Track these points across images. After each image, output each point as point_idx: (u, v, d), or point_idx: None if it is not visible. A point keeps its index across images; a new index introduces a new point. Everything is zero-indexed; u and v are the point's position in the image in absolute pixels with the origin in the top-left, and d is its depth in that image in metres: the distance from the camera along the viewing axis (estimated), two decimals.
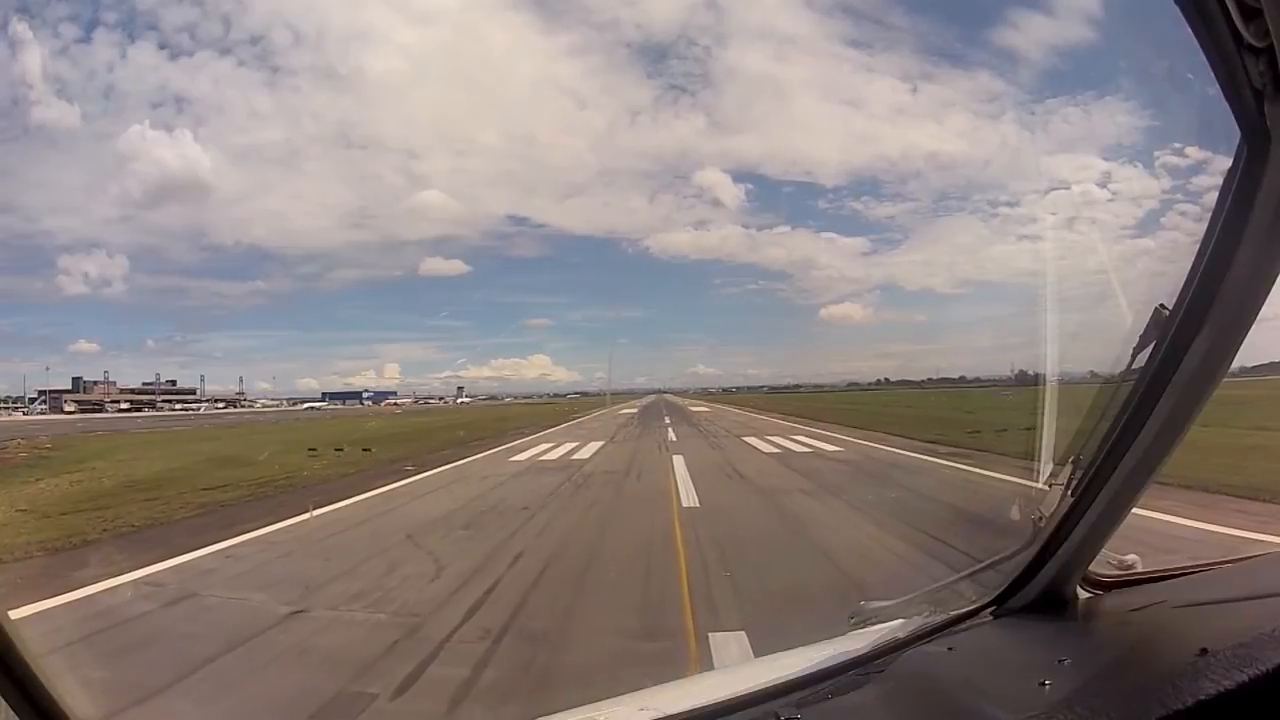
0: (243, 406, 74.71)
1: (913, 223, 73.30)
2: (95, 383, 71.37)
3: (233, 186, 74.57)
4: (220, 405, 74.50)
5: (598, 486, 10.44)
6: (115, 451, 18.32)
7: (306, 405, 74.31)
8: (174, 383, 78.04)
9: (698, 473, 11.31)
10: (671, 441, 18.71)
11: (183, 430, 30.70)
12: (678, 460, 13.30)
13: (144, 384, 75.88)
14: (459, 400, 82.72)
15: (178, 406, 70.98)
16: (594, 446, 17.64)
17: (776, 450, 15.31)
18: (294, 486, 10.96)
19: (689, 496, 9.04)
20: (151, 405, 70.54)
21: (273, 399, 79.30)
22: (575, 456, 15.25)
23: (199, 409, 69.47)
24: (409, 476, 12.12)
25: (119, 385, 73.44)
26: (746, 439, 18.63)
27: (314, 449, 16.86)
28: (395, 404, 79.12)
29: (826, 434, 19.56)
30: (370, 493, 10.16)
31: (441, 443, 19.68)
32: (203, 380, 78.74)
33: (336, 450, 16.50)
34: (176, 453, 17.84)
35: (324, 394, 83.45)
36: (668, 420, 30.66)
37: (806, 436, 18.79)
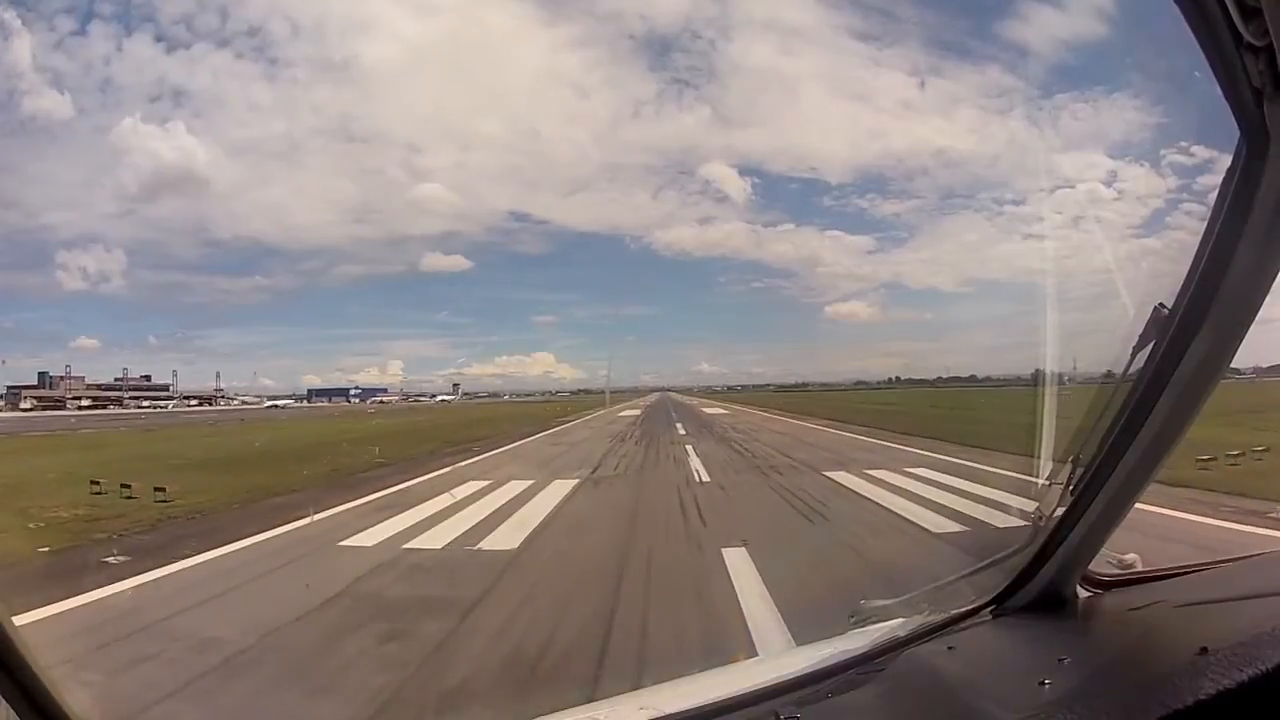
0: (219, 403, 73.48)
1: (918, 220, 73.51)
2: (61, 378, 70.33)
3: (233, 181, 75.23)
4: (194, 403, 72.96)
5: None
6: None
7: (269, 404, 72.71)
8: (148, 378, 76.67)
9: None
10: (700, 481, 10.44)
11: (82, 435, 26.65)
12: (744, 574, 5.12)
13: (116, 379, 74.70)
14: (439, 399, 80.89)
15: (145, 404, 69.38)
16: (556, 493, 9.68)
17: (955, 529, 6.60)
18: None
19: None
20: (119, 402, 69.15)
21: (255, 395, 78.50)
22: (495, 541, 6.82)
23: (167, 406, 68.06)
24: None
25: (86, 381, 72.16)
26: (834, 476, 10.34)
27: (97, 483, 10.48)
28: (381, 401, 78.31)
29: (950, 459, 11.64)
30: None
31: (313, 475, 12.38)
32: (175, 376, 77.77)
33: (124, 488, 10.25)
34: None
35: (310, 390, 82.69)
36: (681, 429, 22.56)
37: (929, 469, 10.55)
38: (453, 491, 10.01)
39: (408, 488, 10.82)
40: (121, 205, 74.74)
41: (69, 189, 69.96)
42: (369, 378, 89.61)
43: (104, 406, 64.88)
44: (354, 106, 75.82)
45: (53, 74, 55.30)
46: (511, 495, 9.62)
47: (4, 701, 0.81)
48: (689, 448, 15.79)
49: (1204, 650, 0.76)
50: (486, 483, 10.84)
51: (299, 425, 33.97)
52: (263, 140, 75.98)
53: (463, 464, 13.87)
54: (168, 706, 3.54)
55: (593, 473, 12.14)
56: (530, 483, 10.62)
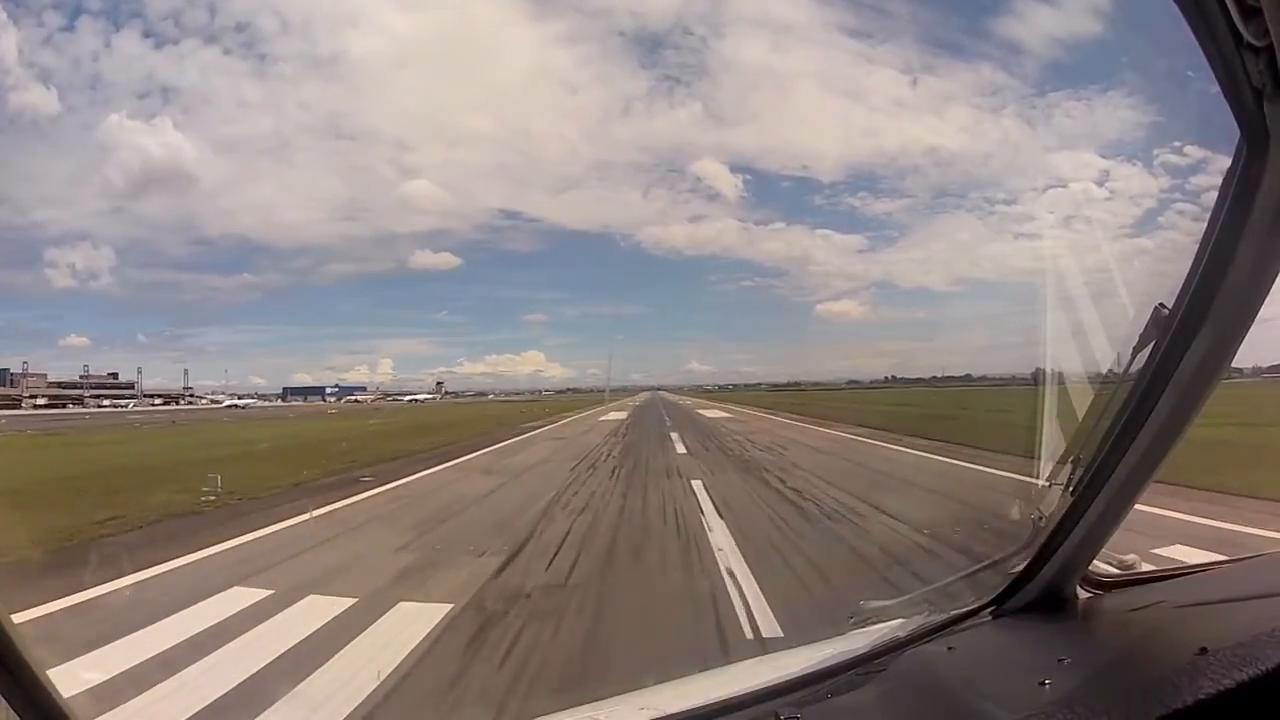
0: (186, 402, 71.87)
1: (910, 219, 73.58)
2: (21, 375, 68.64)
3: (221, 178, 75.11)
4: (158, 401, 70.73)
5: None
6: None
7: (228, 403, 69.90)
8: (115, 375, 74.74)
9: None
10: (759, 636, 4.06)
11: None
12: None
13: (80, 376, 72.55)
14: (409, 399, 78.31)
15: (106, 403, 66.94)
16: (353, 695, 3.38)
17: None
18: None
19: None
20: (79, 401, 66.92)
21: (228, 394, 76.02)
22: None
23: (129, 405, 65.45)
24: None
25: (49, 378, 70.13)
26: None
27: None
28: (356, 400, 76.92)
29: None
30: None
31: (57, 529, 7.55)
32: (140, 374, 75.82)
33: None
34: None
35: (286, 389, 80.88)
36: (680, 445, 16.46)
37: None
38: (142, 636, 4.37)
39: (91, 603, 5.13)
40: (110, 202, 74.64)
41: (57, 185, 69.20)
42: (360, 376, 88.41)
43: (62, 405, 62.68)
44: (342, 103, 75.42)
45: (40, 69, 54.95)
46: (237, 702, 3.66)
47: (4, 702, 0.80)
48: (698, 486, 9.61)
49: (1204, 651, 0.76)
50: (263, 595, 5.22)
51: (222, 430, 29.93)
52: (251, 137, 75.94)
53: (304, 518, 8.21)
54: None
55: (506, 563, 6.06)
56: (346, 607, 4.89)
